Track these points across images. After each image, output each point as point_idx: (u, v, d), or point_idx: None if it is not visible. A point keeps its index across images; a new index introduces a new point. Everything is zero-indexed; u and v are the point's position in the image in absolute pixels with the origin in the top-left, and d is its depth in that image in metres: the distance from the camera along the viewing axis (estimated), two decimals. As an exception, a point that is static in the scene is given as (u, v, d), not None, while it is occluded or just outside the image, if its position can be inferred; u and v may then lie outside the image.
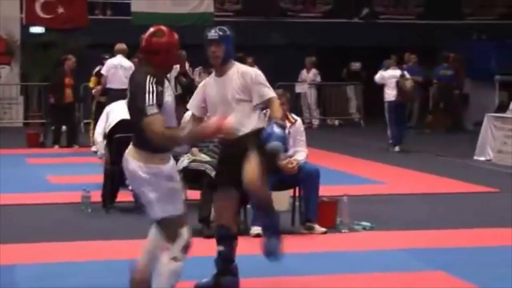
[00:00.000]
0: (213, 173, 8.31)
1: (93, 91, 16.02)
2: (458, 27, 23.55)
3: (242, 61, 19.00)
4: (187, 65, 14.31)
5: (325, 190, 8.84)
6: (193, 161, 8.58)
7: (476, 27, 23.60)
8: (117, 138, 9.24)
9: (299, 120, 8.79)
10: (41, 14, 22.59)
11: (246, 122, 6.19)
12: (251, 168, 6.03)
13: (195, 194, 8.81)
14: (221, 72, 6.27)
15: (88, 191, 9.69)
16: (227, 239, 6.33)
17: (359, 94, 22.49)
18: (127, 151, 5.51)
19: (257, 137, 6.15)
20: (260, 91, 6.21)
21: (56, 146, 16.63)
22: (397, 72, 16.16)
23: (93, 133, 10.81)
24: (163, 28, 5.48)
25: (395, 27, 23.74)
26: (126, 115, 5.77)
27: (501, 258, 7.23)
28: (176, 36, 5.48)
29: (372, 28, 23.67)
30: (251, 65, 21.53)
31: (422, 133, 19.45)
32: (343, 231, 8.52)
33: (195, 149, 8.67)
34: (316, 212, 8.44)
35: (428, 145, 16.57)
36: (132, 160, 5.42)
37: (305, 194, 8.47)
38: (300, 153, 8.51)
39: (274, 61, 20.80)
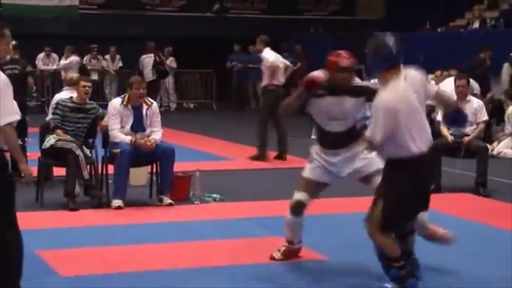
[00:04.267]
0: (78, 151, 8.16)
1: None
2: (296, 22, 23.95)
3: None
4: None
5: (179, 166, 8.81)
6: (59, 140, 8.39)
7: (312, 22, 24.07)
8: None
9: (155, 103, 8.72)
10: None
11: None
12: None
13: (61, 171, 8.60)
14: None
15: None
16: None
17: (211, 80, 22.54)
18: None
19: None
20: None
21: None
22: None
23: None
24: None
25: (242, 21, 23.92)
26: None
27: (335, 224, 7.40)
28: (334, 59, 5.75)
29: (222, 21, 23.77)
30: (114, 54, 21.34)
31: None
32: (195, 202, 8.53)
33: (59, 131, 8.48)
34: (170, 185, 8.40)
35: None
36: None
37: (162, 169, 8.41)
38: (156, 133, 8.45)
39: (134, 50, 20.64)
